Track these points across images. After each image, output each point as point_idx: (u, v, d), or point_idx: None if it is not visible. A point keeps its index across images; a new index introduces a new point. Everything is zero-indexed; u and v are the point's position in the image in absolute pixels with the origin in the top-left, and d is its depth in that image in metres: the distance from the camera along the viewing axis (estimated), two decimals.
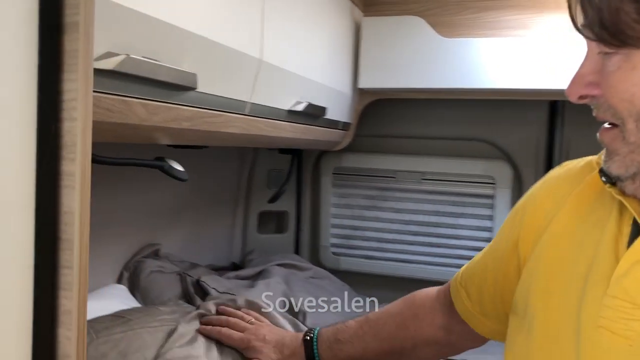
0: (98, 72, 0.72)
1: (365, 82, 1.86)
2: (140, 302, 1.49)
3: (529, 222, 0.79)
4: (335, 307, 1.79)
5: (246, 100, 1.15)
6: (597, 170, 0.70)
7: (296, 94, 1.38)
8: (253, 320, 1.14)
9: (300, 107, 1.38)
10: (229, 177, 2.11)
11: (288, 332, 1.10)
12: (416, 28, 1.81)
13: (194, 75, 0.90)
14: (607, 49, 0.57)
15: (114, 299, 1.39)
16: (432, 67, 1.79)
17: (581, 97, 0.63)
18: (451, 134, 2.08)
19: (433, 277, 2.07)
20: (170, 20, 0.85)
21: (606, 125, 0.63)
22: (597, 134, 0.65)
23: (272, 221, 2.30)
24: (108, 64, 0.71)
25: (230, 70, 1.06)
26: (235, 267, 2.06)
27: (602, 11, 0.54)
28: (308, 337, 1.00)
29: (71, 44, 0.42)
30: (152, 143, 1.02)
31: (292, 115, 1.39)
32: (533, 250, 0.75)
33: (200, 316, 1.23)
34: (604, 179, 0.66)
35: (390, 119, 2.14)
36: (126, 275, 1.55)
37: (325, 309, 1.73)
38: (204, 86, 0.97)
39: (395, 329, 0.98)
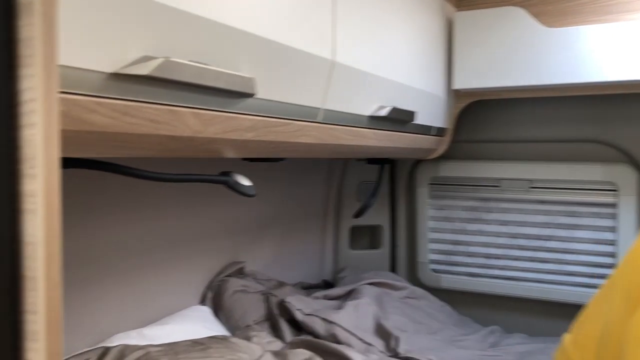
0: (134, 78, 0.65)
1: (460, 83, 1.70)
2: (223, 324, 1.43)
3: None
4: (432, 331, 1.63)
5: (318, 106, 1.05)
6: None
7: (378, 98, 1.26)
8: None
9: (383, 112, 1.26)
10: (318, 190, 2.02)
11: None
12: (516, 20, 1.62)
13: (250, 80, 0.81)
14: None
15: (196, 322, 1.34)
16: (537, 62, 1.59)
17: None
18: (562, 136, 1.84)
19: (545, 296, 1.85)
20: (223, 20, 0.76)
21: None
22: None
23: (365, 236, 2.18)
24: (143, 69, 0.64)
25: (297, 74, 0.96)
26: (327, 285, 1.96)
27: None
28: None
29: (26, 30, 0.33)
30: (215, 157, 0.94)
31: (375, 122, 1.27)
32: None
33: (275, 354, 1.18)
34: None
35: (491, 121, 1.95)
36: (210, 295, 1.49)
37: (420, 333, 1.58)
38: (267, 92, 0.88)
39: None
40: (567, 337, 0.74)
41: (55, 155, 0.35)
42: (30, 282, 0.34)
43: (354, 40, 1.11)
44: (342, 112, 1.13)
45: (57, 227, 0.35)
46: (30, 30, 0.33)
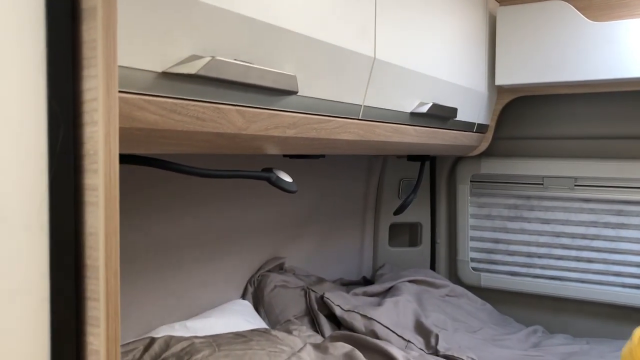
0: (182, 77, 0.67)
1: (503, 79, 1.68)
2: (264, 319, 1.46)
3: None
4: (472, 329, 1.62)
5: (359, 103, 1.05)
6: None
7: (419, 94, 1.26)
8: None
9: (424, 109, 1.26)
10: (357, 187, 2.03)
11: None
12: (561, 14, 1.59)
13: (293, 78, 0.82)
14: None
15: (237, 316, 1.37)
16: (582, 57, 1.55)
17: None
18: (608, 133, 1.80)
19: (588, 297, 1.81)
20: (266, 19, 0.78)
21: None
22: None
23: (404, 233, 2.17)
24: (191, 68, 0.66)
25: (338, 71, 0.97)
26: (366, 281, 1.96)
27: None
28: None
29: (88, 33, 0.35)
30: (258, 153, 0.96)
31: (416, 118, 1.27)
32: None
33: (315, 347, 1.19)
34: None
35: (534, 118, 1.92)
36: (250, 289, 1.52)
37: (460, 331, 1.57)
38: (308, 89, 0.90)
39: None
40: (638, 332, 0.73)
41: (115, 151, 0.37)
42: (92, 270, 0.36)
43: (394, 37, 1.11)
44: (383, 109, 1.13)
45: (116, 219, 0.37)
46: (92, 34, 0.35)
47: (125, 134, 0.66)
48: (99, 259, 0.36)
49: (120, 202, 1.09)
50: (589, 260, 1.83)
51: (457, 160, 2.04)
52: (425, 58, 1.25)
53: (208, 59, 0.67)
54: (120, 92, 0.62)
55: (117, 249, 0.37)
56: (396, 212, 1.79)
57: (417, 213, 2.08)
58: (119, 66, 0.60)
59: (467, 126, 1.60)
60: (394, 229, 2.12)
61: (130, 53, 0.60)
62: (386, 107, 1.14)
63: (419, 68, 1.22)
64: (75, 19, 0.35)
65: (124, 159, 0.79)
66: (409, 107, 1.23)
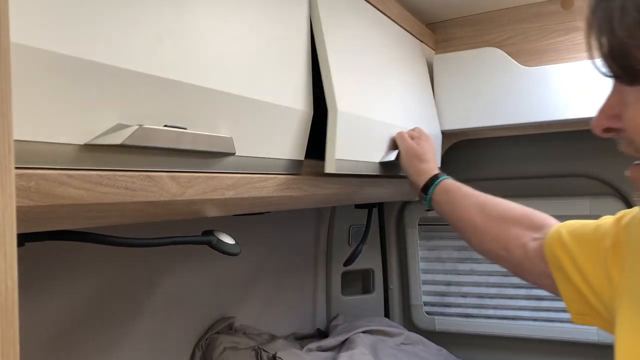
0: (107, 148, 0.63)
1: (443, 124, 1.70)
2: None
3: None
4: None
5: (302, 159, 1.03)
6: None
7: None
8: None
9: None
10: (307, 237, 1.99)
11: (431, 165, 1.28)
12: (494, 60, 1.64)
13: (229, 140, 0.80)
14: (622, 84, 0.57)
15: None
16: (516, 101, 1.60)
17: (605, 131, 0.64)
18: (548, 172, 1.84)
19: (542, 335, 1.82)
20: (197, 82, 0.75)
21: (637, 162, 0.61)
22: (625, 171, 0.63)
23: (357, 281, 2.14)
24: (116, 138, 0.62)
25: (277, 129, 0.95)
26: (321, 333, 1.91)
27: (613, 47, 0.54)
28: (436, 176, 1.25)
29: None
30: (197, 217, 0.91)
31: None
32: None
33: None
34: None
35: (478, 160, 1.95)
36: (198, 354, 1.45)
37: None
38: (246, 149, 0.87)
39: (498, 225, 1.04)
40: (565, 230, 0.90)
41: (12, 258, 0.32)
42: None
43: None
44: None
45: (16, 341, 0.32)
46: None
47: (47, 212, 0.61)
48: None
49: (47, 277, 1.00)
50: (539, 298, 1.85)
51: (403, 204, 2.04)
52: (367, 111, 1.25)
53: (135, 127, 0.64)
54: (39, 168, 0.58)
55: None
56: (346, 263, 1.76)
57: (369, 259, 2.06)
58: (37, 142, 0.56)
59: None
60: (346, 276, 2.09)
61: (47, 127, 0.56)
62: None
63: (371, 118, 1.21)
64: None
65: (46, 235, 0.74)
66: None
